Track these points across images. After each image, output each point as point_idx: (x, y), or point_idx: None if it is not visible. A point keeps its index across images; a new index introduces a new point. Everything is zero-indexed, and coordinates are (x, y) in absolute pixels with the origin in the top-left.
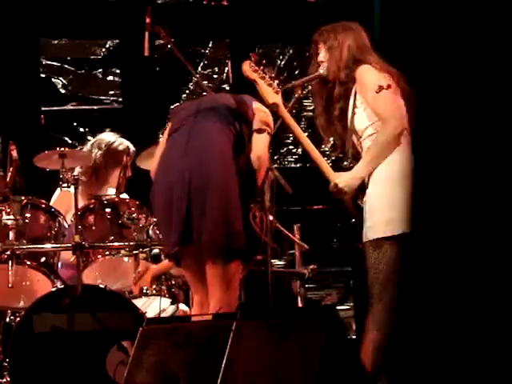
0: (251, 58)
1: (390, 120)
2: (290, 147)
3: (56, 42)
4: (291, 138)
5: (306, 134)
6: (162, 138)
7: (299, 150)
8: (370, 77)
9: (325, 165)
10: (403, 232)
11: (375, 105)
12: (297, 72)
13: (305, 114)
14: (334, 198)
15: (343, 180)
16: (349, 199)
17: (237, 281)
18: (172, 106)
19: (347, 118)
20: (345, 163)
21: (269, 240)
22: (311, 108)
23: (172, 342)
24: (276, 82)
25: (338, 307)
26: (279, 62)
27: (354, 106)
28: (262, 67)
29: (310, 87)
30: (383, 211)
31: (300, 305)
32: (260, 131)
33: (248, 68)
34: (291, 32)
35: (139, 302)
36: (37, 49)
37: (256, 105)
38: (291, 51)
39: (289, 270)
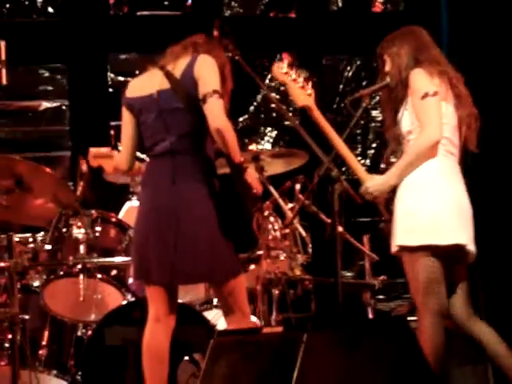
0: (283, 60)
1: (428, 128)
2: (359, 158)
3: (124, 56)
4: (359, 149)
5: (374, 144)
6: (125, 127)
7: (367, 161)
8: (418, 81)
9: (359, 167)
10: (427, 244)
11: (418, 111)
12: (364, 83)
13: (373, 124)
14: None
15: (374, 184)
16: (381, 203)
17: (242, 293)
18: (128, 93)
19: None
20: (382, 166)
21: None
22: (379, 119)
23: (243, 355)
24: (310, 83)
25: (409, 318)
26: (346, 73)
27: (405, 108)
28: (294, 69)
29: (378, 98)
30: (404, 219)
31: (370, 316)
32: (206, 96)
33: (277, 70)
34: (358, 43)
35: (210, 315)
36: (105, 64)
37: (198, 61)
38: (358, 62)
39: (359, 281)
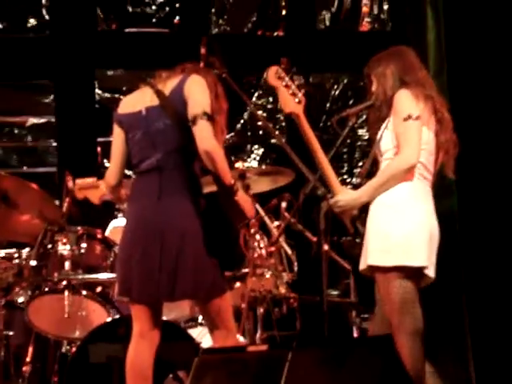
0: (281, 64)
1: (406, 151)
2: (344, 177)
3: (111, 72)
4: (345, 168)
5: (361, 163)
6: (115, 143)
7: (354, 179)
8: (403, 103)
9: (333, 179)
10: (400, 265)
11: (398, 132)
12: (351, 101)
13: (359, 143)
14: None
15: (345, 199)
16: (347, 217)
17: (227, 310)
18: (119, 110)
19: None
20: (356, 180)
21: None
22: (365, 138)
23: (228, 373)
24: (302, 91)
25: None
26: (333, 91)
27: (386, 126)
28: (289, 75)
29: (364, 117)
30: (378, 239)
31: (355, 335)
32: (196, 118)
33: (272, 74)
34: (345, 61)
35: (195, 332)
36: (92, 80)
37: (188, 81)
38: (345, 81)
39: (344, 300)
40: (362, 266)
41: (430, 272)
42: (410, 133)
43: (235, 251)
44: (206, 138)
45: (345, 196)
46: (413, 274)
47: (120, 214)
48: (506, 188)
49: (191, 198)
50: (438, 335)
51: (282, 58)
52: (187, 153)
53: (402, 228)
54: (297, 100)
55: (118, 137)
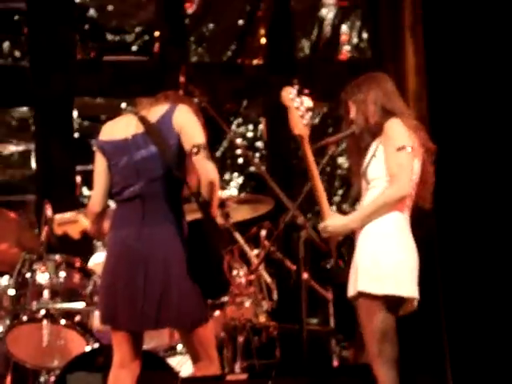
0: (293, 85)
1: (400, 182)
2: None
3: (90, 101)
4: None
5: (341, 191)
6: (98, 169)
7: (333, 207)
8: (397, 132)
9: (325, 205)
10: (391, 294)
11: (391, 161)
12: (330, 130)
13: (339, 171)
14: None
15: (334, 224)
16: (333, 243)
17: (210, 339)
18: (101, 136)
19: None
20: (344, 206)
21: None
22: (345, 166)
23: None
24: (309, 114)
25: None
26: (312, 120)
27: (373, 154)
28: (301, 97)
29: (344, 145)
30: (368, 267)
31: (335, 363)
32: (199, 148)
33: (286, 94)
34: (324, 89)
35: (174, 361)
36: (70, 108)
37: (179, 110)
38: (325, 109)
39: (324, 329)
40: (352, 292)
41: (415, 302)
42: (404, 163)
43: (220, 279)
44: (212, 169)
45: (334, 221)
46: (398, 303)
47: (101, 247)
48: (485, 212)
49: (175, 225)
50: (417, 362)
51: (294, 79)
52: (171, 181)
53: (393, 257)
54: (304, 122)
55: (100, 164)
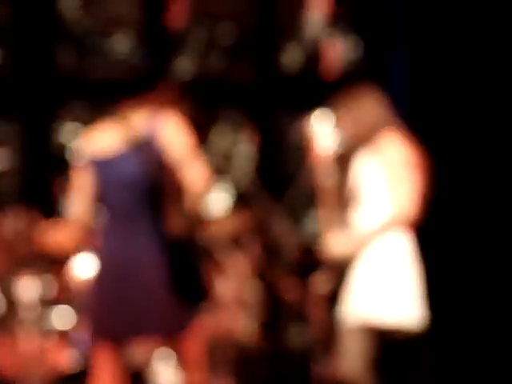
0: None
1: (406, 205)
2: None
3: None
4: None
5: None
6: (80, 183)
7: None
8: (395, 150)
9: (328, 226)
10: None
11: (395, 183)
12: None
13: None
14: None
15: (336, 245)
16: (330, 261)
17: (198, 352)
18: (86, 149)
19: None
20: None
21: None
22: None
23: None
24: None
25: None
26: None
27: (366, 171)
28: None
29: None
30: (365, 293)
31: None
32: (189, 161)
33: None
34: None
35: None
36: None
37: (168, 121)
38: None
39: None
40: (348, 314)
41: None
42: (409, 185)
43: (199, 285)
44: (208, 179)
45: (336, 241)
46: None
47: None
48: (474, 208)
49: (161, 240)
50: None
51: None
52: (158, 194)
53: (408, 284)
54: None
55: (83, 178)
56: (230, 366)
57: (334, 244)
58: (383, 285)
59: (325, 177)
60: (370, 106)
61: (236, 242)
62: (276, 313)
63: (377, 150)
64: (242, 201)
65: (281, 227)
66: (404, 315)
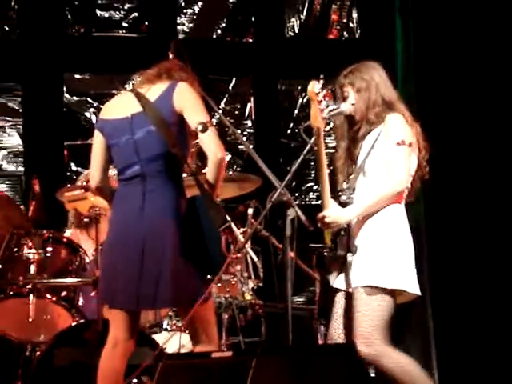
0: (319, 80)
1: (398, 176)
2: (311, 184)
3: (79, 76)
4: (312, 175)
5: (328, 170)
6: (96, 149)
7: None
8: (398, 127)
9: (327, 196)
10: (399, 288)
11: (390, 156)
12: None
13: (326, 151)
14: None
15: (332, 215)
16: (329, 233)
17: (211, 322)
18: (101, 115)
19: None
20: (343, 197)
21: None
22: (332, 145)
23: (192, 378)
24: (328, 110)
25: None
26: (301, 98)
27: (372, 146)
28: (324, 91)
29: (332, 124)
30: (376, 261)
31: (320, 342)
32: (206, 126)
33: (311, 87)
34: (313, 69)
35: (159, 338)
36: (60, 83)
37: (179, 88)
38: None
39: (309, 307)
40: (354, 284)
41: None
42: (403, 158)
43: (218, 254)
44: (220, 145)
45: (332, 212)
46: (400, 294)
47: (86, 219)
48: (474, 196)
49: (174, 205)
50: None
51: (321, 75)
52: (171, 159)
53: (400, 251)
54: (323, 115)
55: (98, 143)
56: (233, 327)
57: (332, 214)
58: (394, 254)
59: (323, 144)
60: (381, 81)
61: (237, 205)
62: (278, 274)
63: (384, 127)
64: (246, 166)
65: (282, 192)
66: (405, 278)
